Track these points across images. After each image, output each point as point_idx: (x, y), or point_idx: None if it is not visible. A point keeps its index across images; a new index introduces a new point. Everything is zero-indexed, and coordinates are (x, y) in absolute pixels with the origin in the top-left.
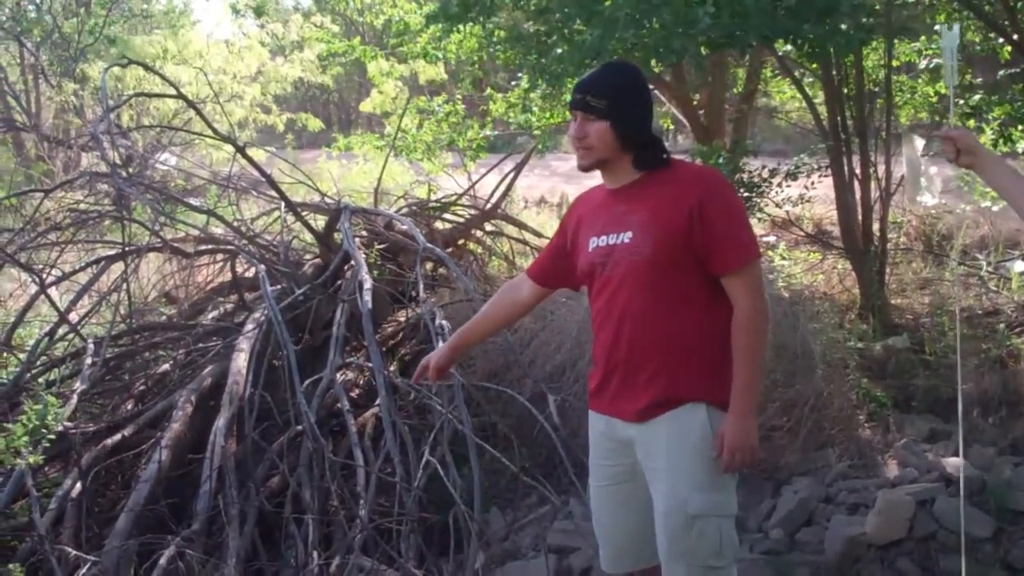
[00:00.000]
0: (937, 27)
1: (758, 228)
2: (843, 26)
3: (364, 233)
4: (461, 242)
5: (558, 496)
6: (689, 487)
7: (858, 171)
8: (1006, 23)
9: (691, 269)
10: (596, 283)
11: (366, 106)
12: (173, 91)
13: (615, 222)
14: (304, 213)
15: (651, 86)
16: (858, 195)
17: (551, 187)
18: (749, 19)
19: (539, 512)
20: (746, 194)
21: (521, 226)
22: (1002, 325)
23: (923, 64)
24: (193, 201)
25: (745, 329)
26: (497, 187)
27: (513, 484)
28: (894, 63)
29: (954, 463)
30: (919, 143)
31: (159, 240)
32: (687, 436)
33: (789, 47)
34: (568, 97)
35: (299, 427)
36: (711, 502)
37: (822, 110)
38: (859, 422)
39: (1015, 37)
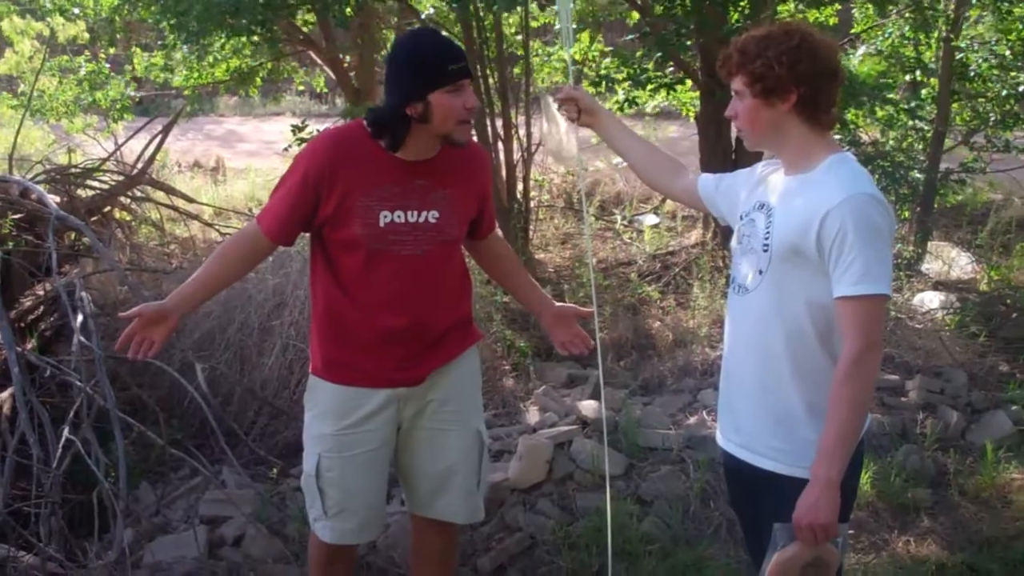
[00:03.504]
0: None
1: None
2: None
3: None
4: (107, 209)
5: (210, 466)
6: (478, 419)
7: (501, 132)
8: None
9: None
10: (383, 257)
11: (0, 67)
12: None
13: (416, 197)
14: None
15: (301, 48)
16: (502, 155)
17: (205, 150)
18: None
19: (191, 484)
20: None
21: (170, 191)
22: (634, 274)
23: (558, 27)
24: None
25: (513, 253)
26: (144, 151)
27: (163, 457)
28: (533, 24)
29: (589, 406)
30: (553, 105)
31: None
32: (474, 375)
33: (432, 9)
34: (213, 57)
35: None
36: (486, 431)
37: None
38: (504, 372)
39: (639, 3)
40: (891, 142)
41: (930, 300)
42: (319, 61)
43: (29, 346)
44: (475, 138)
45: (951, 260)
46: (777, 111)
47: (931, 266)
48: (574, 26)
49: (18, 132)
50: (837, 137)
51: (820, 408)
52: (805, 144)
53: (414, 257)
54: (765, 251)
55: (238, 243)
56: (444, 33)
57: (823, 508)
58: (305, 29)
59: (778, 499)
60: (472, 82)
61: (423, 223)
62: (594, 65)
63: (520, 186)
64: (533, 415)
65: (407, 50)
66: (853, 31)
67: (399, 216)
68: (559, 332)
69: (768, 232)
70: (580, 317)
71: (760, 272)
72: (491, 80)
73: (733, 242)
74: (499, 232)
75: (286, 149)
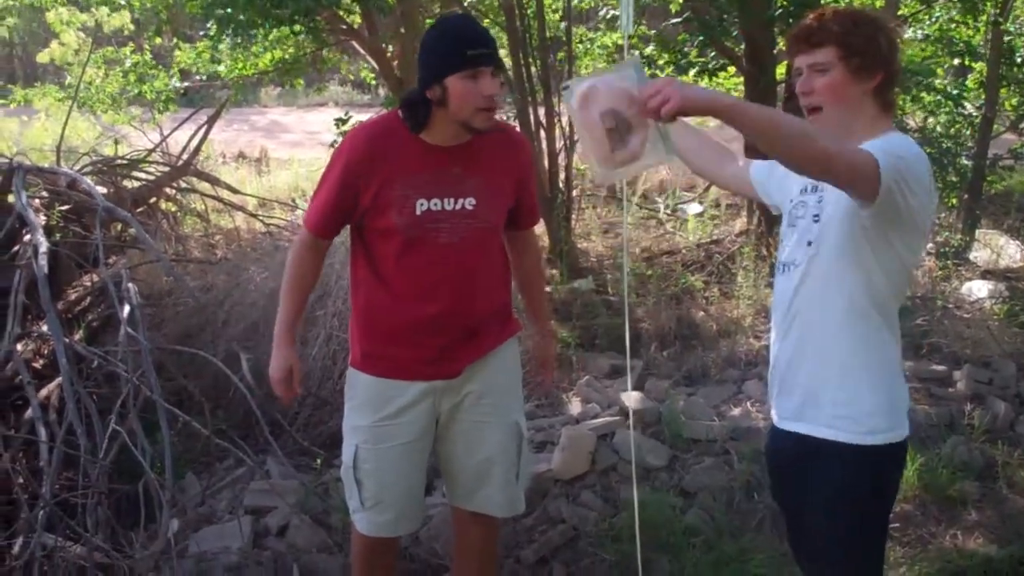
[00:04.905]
0: None
1: None
2: None
3: (45, 194)
4: (153, 200)
5: (255, 456)
6: (518, 411)
7: (544, 121)
8: None
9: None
10: (420, 245)
11: (44, 56)
12: None
13: (451, 185)
14: None
15: (344, 37)
16: (544, 144)
17: (249, 141)
18: None
19: (236, 474)
20: None
21: (215, 182)
22: (678, 264)
23: (602, 13)
24: None
25: (542, 267)
26: (189, 142)
27: (208, 448)
28: (582, 5)
29: (633, 396)
30: (575, 92)
31: None
32: (513, 368)
33: None
34: (258, 48)
35: None
36: (525, 423)
37: (508, 62)
38: None
39: None
40: (938, 128)
41: (978, 289)
42: (362, 51)
43: (77, 337)
44: (517, 126)
45: (999, 248)
46: (861, 88)
47: (979, 254)
48: (633, 10)
49: (65, 124)
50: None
51: (880, 372)
52: (873, 127)
53: (451, 244)
54: (816, 221)
55: (300, 254)
56: (485, 21)
57: (688, 93)
58: (348, 18)
59: (828, 468)
60: (499, 70)
61: (460, 210)
62: (637, 50)
63: (562, 175)
64: (576, 406)
65: (431, 34)
66: (900, 13)
67: (435, 204)
68: (537, 353)
69: (820, 203)
70: (543, 366)
71: (809, 243)
72: (533, 68)
73: (783, 225)
74: (536, 235)
75: (332, 145)
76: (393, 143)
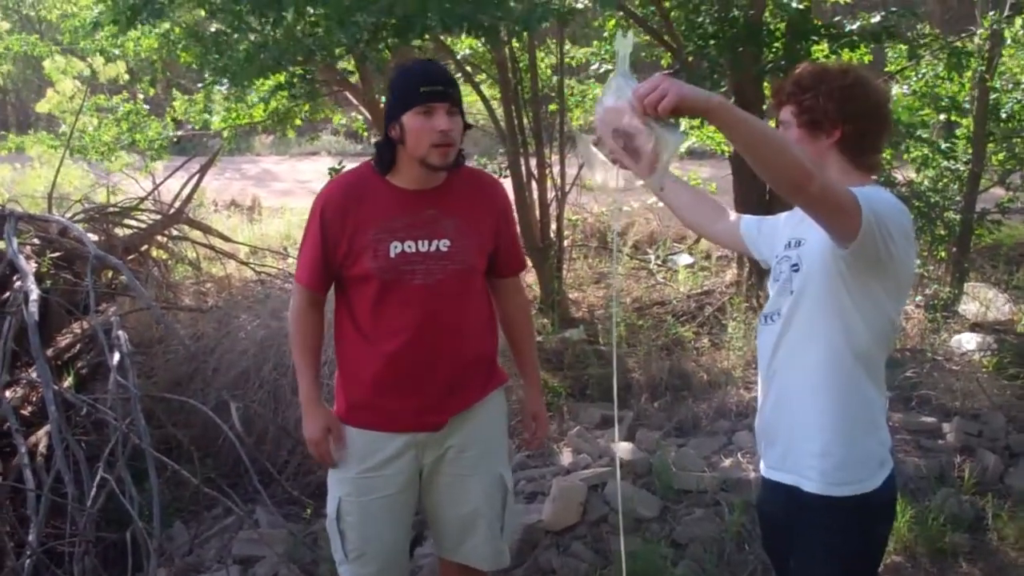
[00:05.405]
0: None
1: None
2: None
3: (36, 241)
4: (144, 248)
5: (244, 505)
6: (502, 464)
7: (535, 172)
8: (665, 34)
9: (484, 270)
10: (395, 288)
11: (43, 106)
12: None
13: (425, 227)
14: None
15: (338, 88)
16: (536, 195)
17: (241, 189)
18: (428, 4)
19: (224, 523)
20: None
21: (207, 230)
22: (669, 315)
23: (594, 67)
24: None
25: (529, 317)
26: (181, 190)
27: (197, 496)
28: (567, 61)
29: (623, 447)
30: (589, 139)
31: None
32: (498, 420)
33: (468, 51)
34: (254, 98)
35: None
36: (510, 476)
37: (500, 113)
38: None
39: (674, 46)
40: (926, 182)
41: (967, 341)
42: (355, 101)
43: (66, 384)
44: (509, 177)
45: (988, 301)
46: (820, 144)
47: (968, 307)
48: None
49: (58, 171)
50: (872, 178)
51: (854, 423)
52: (844, 181)
53: (425, 286)
54: (796, 271)
55: (300, 312)
56: (479, 75)
57: (684, 89)
58: (341, 66)
59: (809, 520)
60: (456, 109)
61: (434, 252)
62: None
63: (554, 225)
64: (566, 456)
65: (394, 76)
66: (887, 70)
67: (410, 246)
68: (528, 408)
69: (800, 254)
70: (536, 421)
71: (790, 293)
72: (526, 120)
73: (769, 279)
74: (522, 284)
75: None
76: (366, 189)
